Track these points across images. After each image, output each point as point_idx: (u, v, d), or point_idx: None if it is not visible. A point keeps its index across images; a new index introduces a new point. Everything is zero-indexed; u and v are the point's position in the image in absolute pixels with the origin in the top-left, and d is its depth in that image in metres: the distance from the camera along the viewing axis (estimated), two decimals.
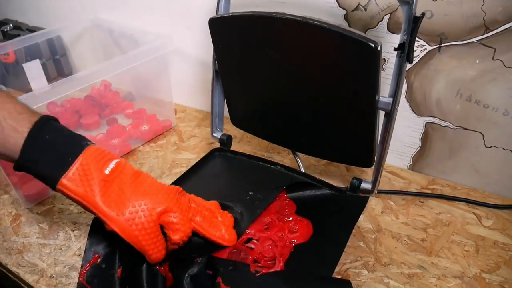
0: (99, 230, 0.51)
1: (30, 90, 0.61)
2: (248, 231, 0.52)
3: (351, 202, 0.56)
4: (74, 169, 0.44)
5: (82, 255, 0.56)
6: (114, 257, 0.51)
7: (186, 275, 0.46)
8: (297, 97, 0.58)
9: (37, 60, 0.62)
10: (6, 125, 0.44)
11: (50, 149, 0.44)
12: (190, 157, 0.76)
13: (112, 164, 0.45)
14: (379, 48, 0.45)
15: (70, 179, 0.44)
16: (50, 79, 0.92)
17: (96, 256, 0.51)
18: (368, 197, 0.57)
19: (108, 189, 0.44)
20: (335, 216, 0.55)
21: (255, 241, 0.52)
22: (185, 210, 0.46)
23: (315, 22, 0.48)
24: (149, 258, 0.46)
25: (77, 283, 0.50)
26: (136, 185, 0.45)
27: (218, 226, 0.49)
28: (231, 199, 0.55)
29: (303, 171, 0.66)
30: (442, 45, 0.59)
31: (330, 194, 0.58)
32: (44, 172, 0.44)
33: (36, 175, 0.45)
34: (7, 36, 1.04)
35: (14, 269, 0.54)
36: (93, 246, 0.52)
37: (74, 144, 0.45)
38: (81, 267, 0.51)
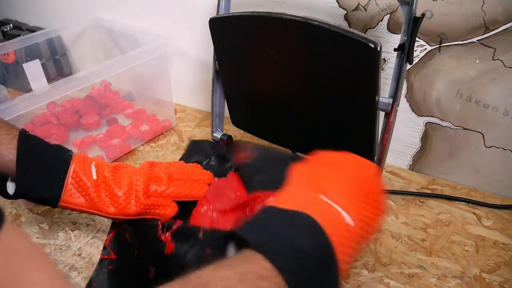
0: None
1: (30, 90, 0.61)
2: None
3: None
4: (69, 185, 0.47)
5: (82, 255, 0.56)
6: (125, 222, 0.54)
7: (187, 248, 0.47)
8: (297, 97, 0.58)
9: (37, 60, 0.62)
10: None
11: (42, 173, 0.47)
12: None
13: (93, 168, 0.49)
14: (378, 49, 0.45)
15: (70, 195, 0.47)
16: (50, 79, 0.92)
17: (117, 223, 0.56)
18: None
19: (100, 191, 0.48)
20: None
21: None
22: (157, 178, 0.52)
23: (315, 22, 0.48)
24: (164, 217, 0.51)
25: (103, 247, 0.54)
26: (117, 178, 0.50)
27: (185, 186, 0.54)
28: None
29: None
30: (442, 45, 0.59)
31: None
32: (44, 195, 0.47)
33: (35, 200, 0.48)
34: (7, 36, 1.03)
35: None
36: None
37: (60, 159, 0.48)
38: (107, 235, 0.55)
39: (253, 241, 0.33)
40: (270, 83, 0.59)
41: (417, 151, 0.70)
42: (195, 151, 0.68)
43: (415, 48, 0.58)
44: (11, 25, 1.05)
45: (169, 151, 0.78)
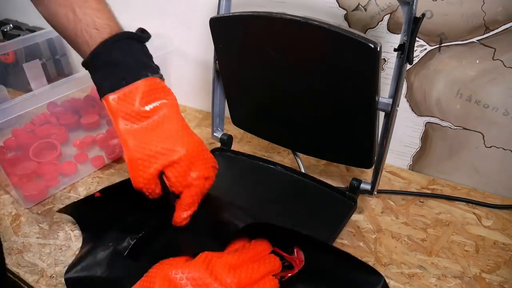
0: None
1: (30, 90, 0.61)
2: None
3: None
4: (121, 93, 0.46)
5: None
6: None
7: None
8: (297, 97, 0.58)
9: (37, 60, 0.63)
10: (88, 20, 0.48)
11: (112, 65, 0.47)
12: None
13: (157, 103, 0.47)
14: (378, 49, 0.45)
15: (114, 99, 0.47)
16: (50, 79, 0.92)
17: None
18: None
19: (140, 121, 0.47)
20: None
21: None
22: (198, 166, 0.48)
23: (315, 22, 0.48)
24: (139, 191, 0.48)
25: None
26: (164, 130, 0.47)
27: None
28: (231, 198, 0.55)
29: (303, 171, 0.66)
30: (442, 45, 0.59)
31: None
32: (98, 82, 0.48)
33: (93, 81, 0.49)
34: (7, 36, 1.03)
35: (14, 269, 0.54)
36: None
37: (134, 71, 0.47)
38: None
39: None
40: (270, 83, 0.59)
41: (417, 151, 0.70)
42: None
43: (415, 48, 0.58)
44: (11, 25, 1.05)
45: None
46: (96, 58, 0.47)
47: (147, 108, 0.47)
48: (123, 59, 0.47)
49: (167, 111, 0.48)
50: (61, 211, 0.59)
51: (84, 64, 0.49)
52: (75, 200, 0.60)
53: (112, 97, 0.46)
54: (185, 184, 0.48)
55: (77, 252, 0.56)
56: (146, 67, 0.48)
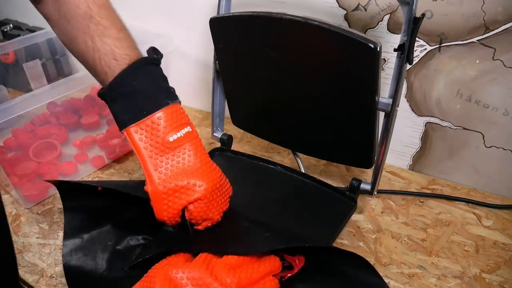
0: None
1: (30, 90, 0.61)
2: None
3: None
4: (143, 124, 0.45)
5: None
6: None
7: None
8: (297, 97, 0.58)
9: (37, 60, 0.63)
10: (107, 50, 0.46)
11: (131, 95, 0.46)
12: None
13: (180, 134, 0.47)
14: (378, 49, 0.45)
15: (136, 131, 0.46)
16: (50, 79, 0.92)
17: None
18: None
19: (164, 153, 0.46)
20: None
21: None
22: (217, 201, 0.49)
23: (315, 23, 0.48)
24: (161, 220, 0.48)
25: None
26: (188, 164, 0.47)
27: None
28: (231, 198, 0.55)
29: (303, 171, 0.66)
30: (442, 45, 0.59)
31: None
32: (118, 114, 0.46)
33: (111, 111, 0.47)
34: (7, 36, 1.03)
35: None
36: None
37: (155, 99, 0.46)
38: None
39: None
40: (270, 83, 0.60)
41: (417, 151, 0.70)
42: None
43: (415, 48, 0.58)
44: (11, 25, 1.05)
45: None
46: (114, 89, 0.46)
47: (171, 139, 0.46)
48: (143, 88, 0.46)
49: (191, 143, 0.48)
50: (54, 183, 0.54)
51: (101, 95, 0.47)
52: (74, 181, 0.57)
53: (134, 129, 0.45)
54: (205, 218, 0.48)
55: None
56: (167, 93, 0.48)
